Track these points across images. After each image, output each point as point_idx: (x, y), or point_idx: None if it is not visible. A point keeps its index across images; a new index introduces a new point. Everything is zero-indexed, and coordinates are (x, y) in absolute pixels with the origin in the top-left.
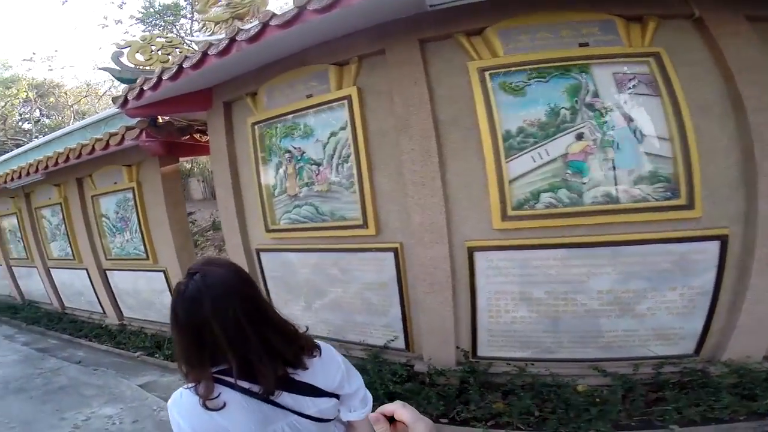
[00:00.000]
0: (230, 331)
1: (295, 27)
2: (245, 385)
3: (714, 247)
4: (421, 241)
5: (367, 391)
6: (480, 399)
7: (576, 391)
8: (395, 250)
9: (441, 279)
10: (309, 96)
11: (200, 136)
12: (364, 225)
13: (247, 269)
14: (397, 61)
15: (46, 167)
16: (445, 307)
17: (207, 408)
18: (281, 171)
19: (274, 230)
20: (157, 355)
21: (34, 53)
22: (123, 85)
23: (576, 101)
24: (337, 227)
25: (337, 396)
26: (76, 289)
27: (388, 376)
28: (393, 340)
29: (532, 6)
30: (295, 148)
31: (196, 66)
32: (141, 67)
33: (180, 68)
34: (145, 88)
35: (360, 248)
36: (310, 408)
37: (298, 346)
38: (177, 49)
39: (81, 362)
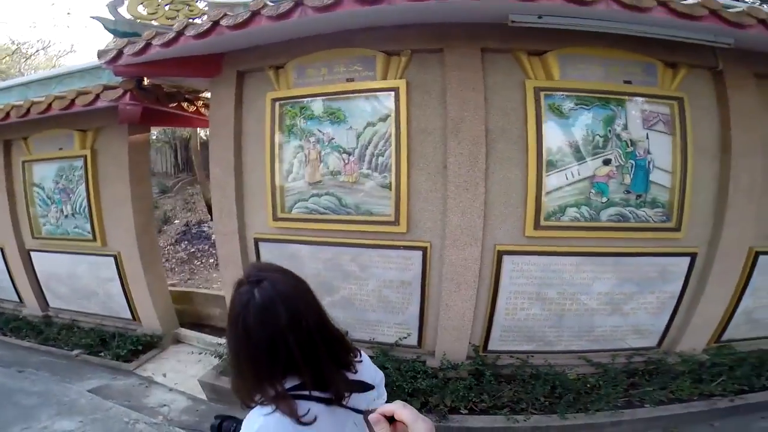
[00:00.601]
0: (304, 342)
1: (338, 12)
2: (319, 394)
3: (686, 261)
4: (455, 243)
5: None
6: (496, 389)
7: (568, 378)
8: (424, 249)
9: (469, 279)
10: (350, 80)
11: (187, 105)
12: (396, 222)
13: (239, 261)
14: (457, 65)
15: None
16: (468, 305)
17: (303, 424)
18: (301, 155)
19: (283, 219)
20: (103, 354)
21: None
22: (54, 48)
23: (609, 130)
24: (363, 221)
25: (373, 388)
26: None
27: (409, 373)
28: (405, 338)
29: (592, 40)
30: (322, 132)
31: (238, 26)
32: (140, 21)
33: (215, 24)
34: (155, 42)
35: (386, 245)
36: (362, 403)
37: (349, 351)
38: (187, 6)
39: None
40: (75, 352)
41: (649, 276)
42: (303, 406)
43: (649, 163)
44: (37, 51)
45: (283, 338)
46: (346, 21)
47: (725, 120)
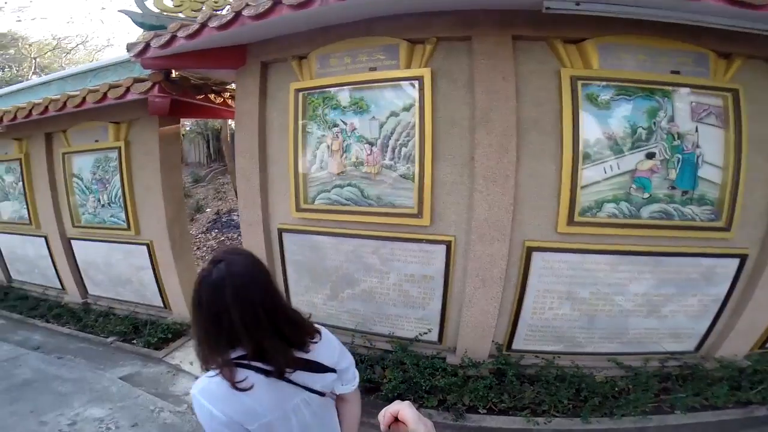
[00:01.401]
0: (247, 317)
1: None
2: (260, 365)
3: (735, 263)
4: (482, 237)
5: (355, 368)
6: (518, 390)
7: (596, 380)
8: (448, 244)
9: (495, 275)
10: (372, 69)
11: (214, 97)
12: (419, 214)
13: (263, 251)
14: (486, 53)
15: (14, 119)
16: (492, 302)
17: (238, 389)
18: (324, 146)
19: (305, 210)
20: (135, 342)
21: (5, 2)
22: (92, 43)
23: (654, 123)
24: (384, 213)
25: (334, 371)
26: (30, 259)
27: (428, 370)
28: (426, 333)
29: (637, 28)
30: (345, 122)
31: (259, 16)
32: (167, 14)
33: (237, 15)
34: (179, 35)
35: (409, 238)
36: (317, 383)
37: (304, 332)
38: None
39: (40, 348)
40: (110, 339)
41: (691, 277)
42: (242, 374)
43: (697, 157)
44: (77, 46)
45: (228, 312)
46: (368, 9)
47: None
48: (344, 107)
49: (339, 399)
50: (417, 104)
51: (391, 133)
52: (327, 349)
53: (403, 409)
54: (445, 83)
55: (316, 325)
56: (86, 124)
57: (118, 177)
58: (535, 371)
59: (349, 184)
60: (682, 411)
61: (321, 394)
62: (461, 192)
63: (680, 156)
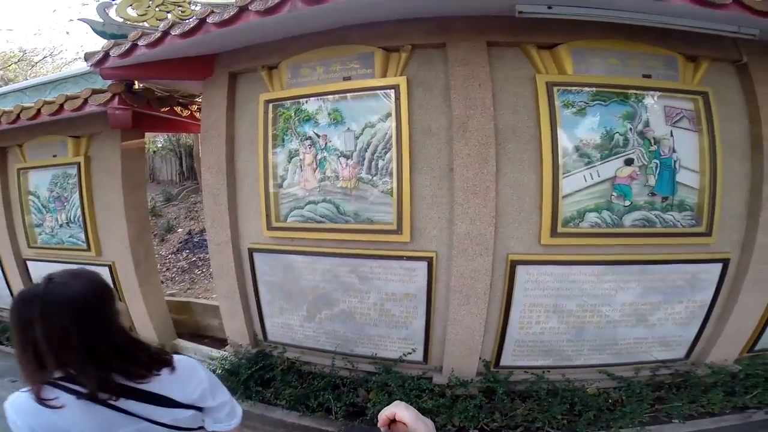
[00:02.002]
0: (53, 337)
1: (331, 5)
2: (75, 387)
3: (718, 268)
4: (464, 252)
5: (236, 406)
6: (509, 407)
7: (588, 393)
8: (429, 260)
9: (479, 291)
10: (347, 78)
11: (181, 110)
12: (398, 230)
13: (233, 272)
14: (462, 59)
15: None
16: (478, 319)
17: (47, 407)
18: (296, 160)
19: (277, 228)
20: None
21: None
22: (61, 56)
23: (630, 128)
24: (362, 230)
25: (198, 408)
26: None
27: (414, 392)
28: (411, 353)
29: (607, 32)
30: (318, 135)
31: (225, 23)
32: (130, 23)
33: (202, 22)
34: (141, 43)
35: (389, 255)
36: (164, 417)
37: (134, 359)
38: (179, 8)
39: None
40: None
41: (677, 285)
42: (53, 392)
43: (674, 162)
44: (44, 58)
45: (32, 330)
46: (341, 15)
47: (754, 115)
48: (317, 119)
49: None
50: (393, 114)
51: (367, 146)
52: (181, 384)
53: (400, 410)
54: (421, 92)
55: (179, 359)
56: (44, 138)
57: (77, 195)
58: (525, 387)
59: (323, 200)
60: (680, 420)
61: (175, 428)
62: (441, 205)
63: (658, 161)
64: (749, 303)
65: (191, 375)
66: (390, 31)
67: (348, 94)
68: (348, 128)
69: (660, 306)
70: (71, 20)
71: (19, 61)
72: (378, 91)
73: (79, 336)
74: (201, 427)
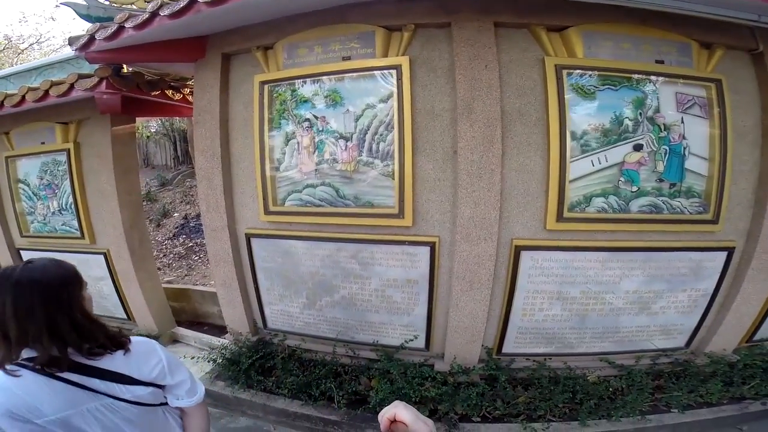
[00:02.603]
0: (20, 309)
1: None
2: (28, 354)
3: (722, 256)
4: (468, 237)
5: (197, 383)
6: (511, 395)
7: (588, 381)
8: (432, 245)
9: (483, 277)
10: (346, 58)
11: (172, 93)
12: (400, 214)
13: (230, 258)
14: (468, 40)
15: None
16: (481, 305)
17: (7, 374)
18: (293, 142)
19: (275, 213)
20: None
21: None
22: (48, 43)
23: (639, 113)
24: (362, 214)
25: (158, 386)
26: None
27: (416, 380)
28: (412, 340)
29: (620, 15)
30: (317, 116)
31: (217, 2)
32: (117, 5)
33: (192, 2)
34: (127, 25)
35: (390, 240)
36: (125, 393)
37: (90, 337)
38: None
39: None
40: None
41: (681, 272)
42: (25, 372)
43: (684, 149)
44: (30, 45)
45: (3, 305)
46: None
47: (767, 104)
48: (315, 100)
49: (182, 412)
50: (395, 95)
51: (368, 127)
52: (138, 363)
53: (399, 410)
54: (424, 72)
55: (138, 341)
56: (31, 125)
57: (68, 182)
58: (527, 374)
59: (322, 183)
60: (680, 409)
61: (138, 403)
62: (444, 189)
63: (667, 147)
64: (751, 293)
65: (149, 355)
66: (391, 10)
67: (348, 75)
68: (347, 110)
69: (663, 294)
70: (57, 6)
71: (4, 49)
72: (379, 72)
73: (44, 310)
74: (164, 403)
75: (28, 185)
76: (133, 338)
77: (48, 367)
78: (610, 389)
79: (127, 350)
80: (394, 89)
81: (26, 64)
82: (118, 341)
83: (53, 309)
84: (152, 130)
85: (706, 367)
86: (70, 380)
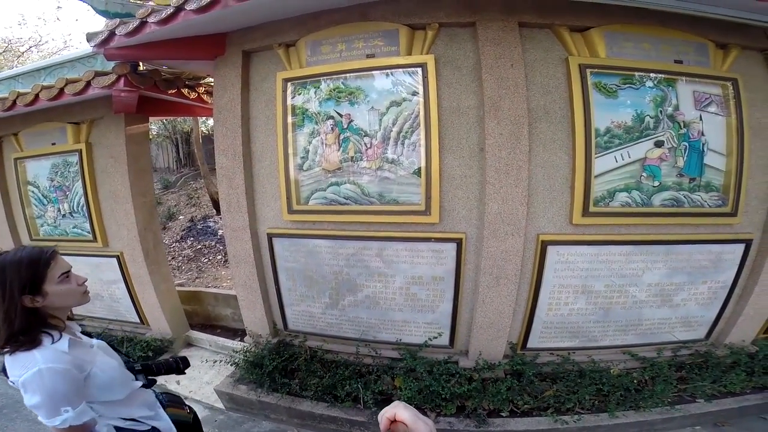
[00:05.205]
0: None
1: None
2: None
3: (740, 248)
4: (495, 233)
5: (50, 419)
6: (539, 389)
7: (612, 374)
8: (459, 241)
9: (509, 273)
10: (370, 56)
11: (188, 92)
12: (426, 211)
13: (252, 258)
14: (493, 39)
15: None
16: (507, 301)
17: None
18: (316, 140)
19: (298, 211)
20: None
21: None
22: (48, 46)
23: (660, 111)
24: (388, 212)
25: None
26: None
27: (444, 377)
28: (436, 337)
29: (640, 17)
30: (340, 114)
31: None
32: (134, 1)
33: None
34: (150, 20)
35: (416, 237)
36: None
37: (10, 333)
38: None
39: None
40: None
41: (701, 265)
42: None
43: (703, 145)
44: (30, 48)
45: None
46: None
47: None
48: (339, 97)
49: None
50: (421, 93)
51: (393, 125)
52: (13, 368)
53: (399, 410)
54: (449, 71)
55: (26, 355)
56: (41, 126)
57: (80, 183)
58: (551, 369)
59: (347, 181)
60: (705, 399)
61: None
62: (471, 185)
63: (687, 144)
64: None
65: (21, 367)
66: (415, 9)
67: (372, 72)
68: (372, 107)
69: (684, 286)
70: (59, 7)
71: (4, 51)
72: (404, 70)
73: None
74: None
75: (38, 187)
76: (31, 351)
77: None
78: (635, 381)
79: (12, 352)
80: (420, 87)
81: (35, 63)
82: (20, 342)
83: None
84: (153, 133)
85: (726, 358)
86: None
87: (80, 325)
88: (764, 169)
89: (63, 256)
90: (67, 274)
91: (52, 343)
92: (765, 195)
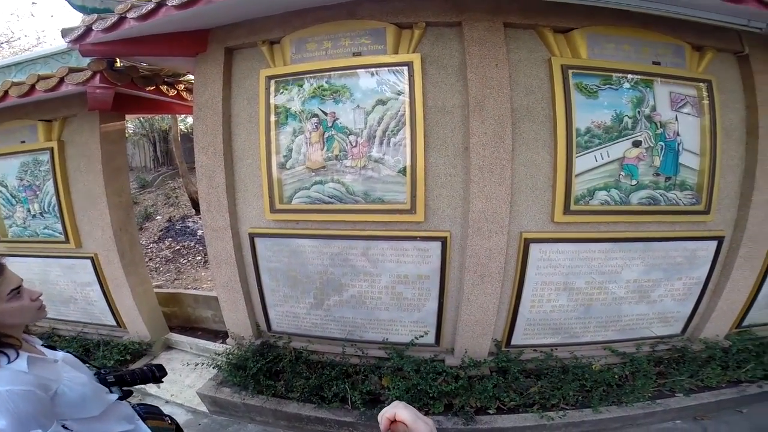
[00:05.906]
0: None
1: None
2: None
3: (713, 245)
4: (479, 231)
5: None
6: (524, 386)
7: (593, 370)
8: (443, 240)
9: (493, 271)
10: (356, 54)
11: (167, 89)
12: (411, 210)
13: (233, 259)
14: (478, 39)
15: None
16: (491, 298)
17: None
18: (300, 138)
19: (281, 210)
20: (88, 366)
21: None
22: (20, 43)
23: (638, 112)
24: (373, 210)
25: None
26: None
27: (431, 375)
28: (423, 336)
29: (622, 19)
30: (325, 112)
31: None
32: None
33: None
34: (130, 16)
35: (401, 236)
36: None
37: None
38: None
39: None
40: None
41: (677, 261)
42: None
43: (678, 145)
44: (0, 44)
45: None
46: None
47: (751, 103)
48: (324, 95)
49: None
50: (407, 92)
51: (378, 123)
52: None
53: (399, 410)
54: (435, 70)
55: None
56: (9, 123)
57: (51, 182)
58: (535, 365)
59: (332, 180)
60: (684, 394)
61: None
62: (455, 184)
63: (663, 144)
64: (740, 280)
65: None
66: (402, 8)
67: (358, 71)
68: (358, 105)
69: (661, 282)
70: (34, 3)
71: None
72: (390, 68)
73: None
74: None
75: (6, 187)
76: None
77: None
78: (616, 376)
79: None
80: (406, 86)
81: (5, 59)
82: None
83: None
84: (130, 131)
85: (702, 353)
86: None
87: (41, 338)
88: (735, 169)
89: (35, 259)
90: (18, 290)
91: (8, 363)
92: (735, 194)
